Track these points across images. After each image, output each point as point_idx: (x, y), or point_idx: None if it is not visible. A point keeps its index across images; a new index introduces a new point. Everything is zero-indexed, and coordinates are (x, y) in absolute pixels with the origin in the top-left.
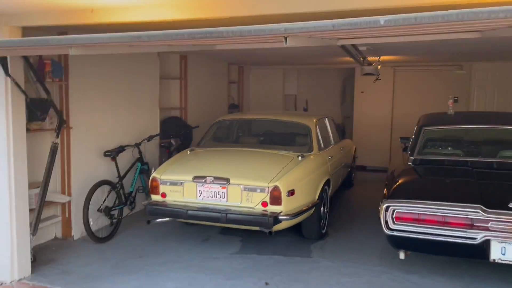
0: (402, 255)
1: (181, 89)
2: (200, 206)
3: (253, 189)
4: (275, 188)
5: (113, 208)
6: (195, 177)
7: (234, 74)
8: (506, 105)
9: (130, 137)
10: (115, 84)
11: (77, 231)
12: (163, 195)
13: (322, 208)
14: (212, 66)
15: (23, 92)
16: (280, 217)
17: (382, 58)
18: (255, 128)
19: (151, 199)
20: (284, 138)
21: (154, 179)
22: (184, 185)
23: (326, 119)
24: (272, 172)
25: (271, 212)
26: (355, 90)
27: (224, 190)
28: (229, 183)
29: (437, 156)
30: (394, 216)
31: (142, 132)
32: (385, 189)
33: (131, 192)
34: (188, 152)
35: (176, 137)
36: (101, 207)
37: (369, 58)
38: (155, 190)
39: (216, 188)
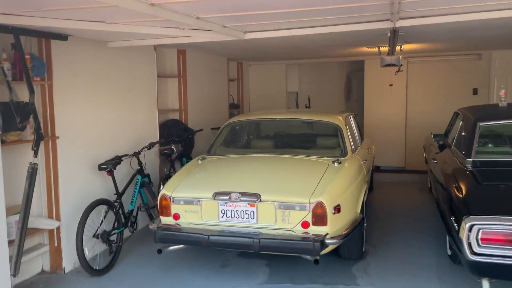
0: (486, 285)
1: (180, 88)
2: (223, 229)
3: (290, 207)
4: (319, 205)
5: (112, 232)
6: (217, 194)
7: (233, 71)
8: None
9: (127, 145)
10: (108, 84)
11: (69, 262)
12: (176, 216)
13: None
14: (211, 62)
15: None
16: (327, 241)
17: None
18: (273, 130)
19: (159, 221)
20: (310, 141)
21: (164, 198)
22: (203, 204)
23: (351, 116)
24: (311, 184)
25: (315, 235)
26: (366, 84)
27: (254, 209)
28: (260, 200)
29: (500, 156)
30: (479, 237)
31: (140, 139)
32: (439, 199)
33: (132, 210)
34: (199, 161)
35: (177, 143)
36: (97, 232)
37: (386, 48)
38: (165, 211)
39: (243, 206)
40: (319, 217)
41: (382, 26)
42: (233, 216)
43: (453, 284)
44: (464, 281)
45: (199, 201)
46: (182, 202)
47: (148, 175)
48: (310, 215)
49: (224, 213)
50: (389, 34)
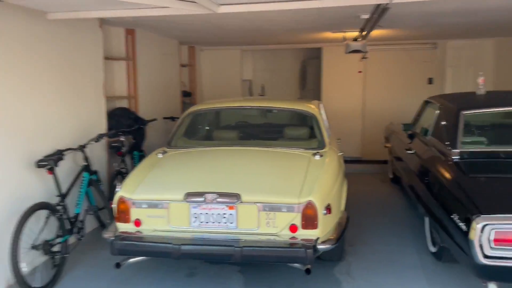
0: None
1: (129, 72)
2: (196, 236)
3: (276, 208)
4: (309, 205)
5: (55, 242)
6: (189, 195)
7: (185, 56)
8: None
9: (70, 137)
10: (46, 64)
11: (1, 280)
12: (137, 222)
13: None
14: (162, 45)
15: None
16: (319, 247)
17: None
18: (241, 119)
19: (115, 228)
20: (283, 131)
21: (122, 200)
22: (171, 207)
23: (321, 104)
24: (297, 182)
25: (304, 240)
26: (323, 73)
27: (233, 212)
28: (241, 201)
29: (487, 147)
30: (492, 238)
31: (85, 130)
32: (419, 193)
33: (78, 214)
34: (160, 156)
35: (127, 135)
36: (36, 242)
37: (352, 34)
38: (124, 216)
39: (220, 209)
40: (310, 219)
41: (375, 1)
42: (208, 221)
43: (443, 284)
44: (453, 281)
45: (167, 203)
46: (144, 206)
47: (96, 172)
48: (299, 217)
49: (197, 218)
50: (367, 16)
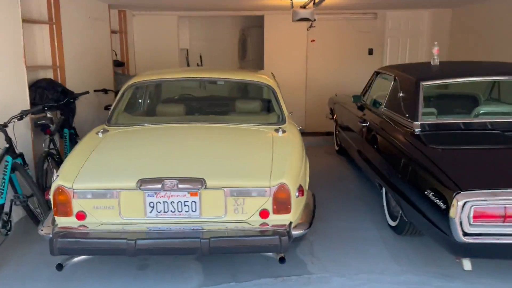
0: (468, 265)
1: (52, 38)
2: (153, 229)
3: (245, 193)
4: (281, 188)
5: None
6: (143, 181)
7: (115, 22)
8: (417, 56)
9: None
10: None
11: None
12: (81, 215)
13: None
14: (90, 8)
15: None
16: (294, 232)
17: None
18: (190, 92)
19: (53, 223)
20: (239, 106)
21: (61, 190)
22: (122, 196)
23: (274, 76)
24: (265, 162)
25: (276, 226)
26: (265, 42)
27: (196, 199)
28: (205, 187)
29: (448, 118)
30: (471, 215)
31: (4, 106)
32: (377, 166)
33: (2, 205)
34: (100, 135)
35: (54, 110)
36: None
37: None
38: (63, 208)
39: (181, 196)
40: (282, 203)
41: None
42: (166, 210)
43: (408, 259)
44: (418, 255)
45: (116, 192)
46: (89, 196)
47: (21, 155)
48: (270, 202)
49: (153, 207)
50: None
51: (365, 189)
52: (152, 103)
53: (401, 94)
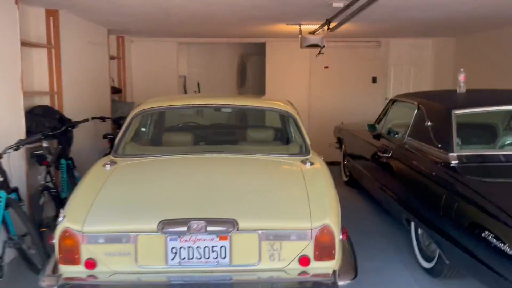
0: None
1: (50, 62)
2: (176, 280)
3: (283, 236)
4: (325, 230)
5: None
6: (166, 223)
7: (113, 47)
8: (422, 85)
9: None
10: None
11: None
12: (90, 263)
13: None
14: (90, 32)
15: None
16: (340, 283)
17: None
18: (203, 121)
19: (57, 272)
20: (257, 135)
21: (68, 234)
22: (140, 241)
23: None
24: (301, 199)
25: (317, 274)
26: (267, 69)
27: (226, 243)
28: (237, 229)
29: (485, 149)
30: None
31: None
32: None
33: None
34: (108, 168)
35: (49, 138)
36: None
37: (308, 27)
38: (70, 255)
39: (209, 240)
40: (325, 248)
41: None
42: (191, 257)
43: None
44: None
45: (134, 236)
46: (101, 240)
47: (16, 190)
48: (311, 246)
49: (176, 253)
50: (341, 4)
51: (387, 225)
52: (161, 132)
53: (429, 123)
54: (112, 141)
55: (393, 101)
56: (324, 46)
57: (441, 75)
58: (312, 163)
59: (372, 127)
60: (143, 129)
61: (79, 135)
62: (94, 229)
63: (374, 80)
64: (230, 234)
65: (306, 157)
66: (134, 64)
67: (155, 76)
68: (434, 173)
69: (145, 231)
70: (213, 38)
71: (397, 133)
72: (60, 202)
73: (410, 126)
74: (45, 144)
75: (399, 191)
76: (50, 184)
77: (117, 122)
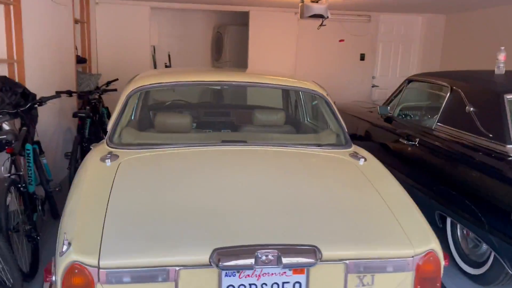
0: None
1: (8, 23)
2: None
3: (377, 267)
4: (430, 257)
5: None
6: (221, 254)
7: (76, 10)
8: (409, 64)
9: None
10: None
11: None
12: None
13: None
14: None
15: None
16: None
17: None
18: (215, 101)
19: None
20: (285, 119)
21: (78, 270)
22: (182, 279)
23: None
24: (387, 215)
25: None
26: (250, 42)
27: (302, 278)
28: (320, 259)
29: None
30: None
31: None
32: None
33: None
34: (108, 163)
35: (11, 117)
36: None
37: None
38: None
39: (278, 275)
40: (429, 280)
41: None
42: None
43: None
44: None
45: (174, 272)
46: (127, 279)
47: None
48: (410, 278)
49: None
50: None
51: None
52: (163, 114)
53: (472, 109)
54: (82, 120)
55: (409, 81)
56: (328, 17)
57: (429, 53)
58: (364, 158)
59: (383, 109)
60: (151, 111)
61: (41, 113)
62: (116, 262)
63: (362, 57)
64: (310, 266)
65: (350, 149)
66: (99, 30)
67: (123, 45)
68: (487, 167)
69: (190, 265)
70: (189, 3)
71: (418, 118)
72: (30, 199)
73: (441, 111)
74: (7, 126)
75: (432, 184)
76: (16, 177)
77: (83, 97)
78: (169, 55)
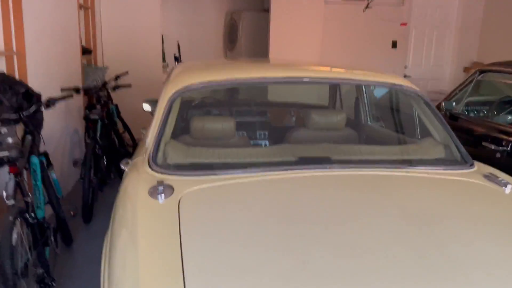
0: None
1: (6, 9)
2: None
3: None
4: None
5: None
6: None
7: None
8: (443, 52)
9: None
10: None
11: None
12: None
13: None
14: None
15: None
16: None
17: None
18: (248, 96)
19: None
20: (342, 121)
21: None
22: None
23: None
24: None
25: None
26: (272, 29)
27: None
28: None
29: None
30: None
31: None
32: None
33: None
34: (161, 199)
35: (12, 124)
36: None
37: None
38: None
39: None
40: None
41: None
42: None
43: None
44: None
45: None
46: None
47: None
48: None
49: None
50: None
51: None
52: (214, 121)
53: None
54: (93, 123)
55: (480, 72)
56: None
57: (467, 40)
58: (506, 182)
59: (449, 104)
60: (189, 118)
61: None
62: None
63: (394, 44)
64: None
65: (475, 168)
66: (104, 17)
67: (131, 34)
68: None
69: None
70: None
71: (499, 116)
72: (40, 229)
73: None
74: (9, 139)
75: None
76: (24, 206)
77: (91, 93)
78: (178, 45)
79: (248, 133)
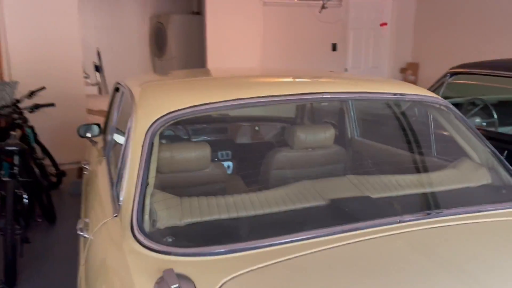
0: None
1: None
2: None
3: None
4: None
5: None
6: None
7: None
8: (380, 52)
9: None
10: None
11: None
12: None
13: None
14: None
15: None
16: None
17: None
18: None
19: None
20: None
21: None
22: None
23: None
24: None
25: None
26: (208, 34)
27: None
28: None
29: None
30: None
31: None
32: None
33: None
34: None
35: None
36: None
37: None
38: None
39: None
40: None
41: None
42: None
43: None
44: None
45: None
46: None
47: None
48: None
49: None
50: None
51: None
52: (208, 154)
53: None
54: (9, 155)
55: (451, 74)
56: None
57: (402, 41)
58: None
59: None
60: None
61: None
62: None
63: (334, 47)
64: None
65: None
66: (8, 21)
67: (43, 41)
68: None
69: None
70: None
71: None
72: None
73: None
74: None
75: None
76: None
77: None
78: (98, 53)
79: (213, 156)
